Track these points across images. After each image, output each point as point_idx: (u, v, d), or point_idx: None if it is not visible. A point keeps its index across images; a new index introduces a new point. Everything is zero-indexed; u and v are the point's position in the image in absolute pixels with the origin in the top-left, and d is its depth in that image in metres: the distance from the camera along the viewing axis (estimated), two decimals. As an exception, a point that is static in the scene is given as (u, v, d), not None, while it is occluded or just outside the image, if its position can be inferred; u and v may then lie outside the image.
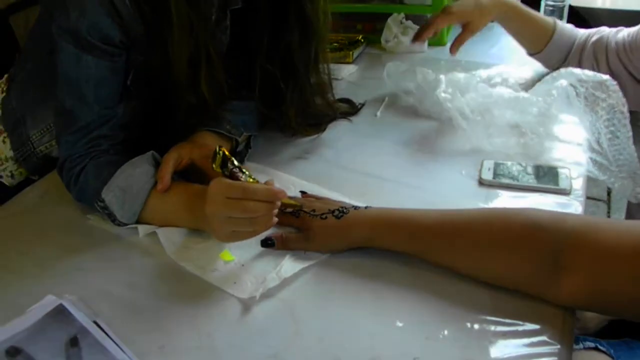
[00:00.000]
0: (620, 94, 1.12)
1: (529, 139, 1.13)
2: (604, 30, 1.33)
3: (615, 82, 1.13)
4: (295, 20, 1.10)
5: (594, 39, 1.32)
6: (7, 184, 1.22)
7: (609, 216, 2.61)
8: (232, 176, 0.85)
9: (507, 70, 1.44)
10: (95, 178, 0.96)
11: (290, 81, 1.16)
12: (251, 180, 0.86)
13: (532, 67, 1.45)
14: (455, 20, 1.37)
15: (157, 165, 0.97)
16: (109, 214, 0.95)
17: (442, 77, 1.26)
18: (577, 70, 1.15)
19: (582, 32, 1.36)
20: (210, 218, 0.84)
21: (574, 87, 1.13)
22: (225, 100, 1.09)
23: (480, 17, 1.34)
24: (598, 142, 1.12)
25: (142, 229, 0.95)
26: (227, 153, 0.86)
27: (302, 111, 1.20)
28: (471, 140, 1.14)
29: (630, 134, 1.11)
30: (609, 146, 1.13)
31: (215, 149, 0.86)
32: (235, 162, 0.86)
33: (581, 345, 1.02)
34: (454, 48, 1.39)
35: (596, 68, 1.29)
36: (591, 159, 1.10)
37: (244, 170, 0.87)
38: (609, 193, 2.71)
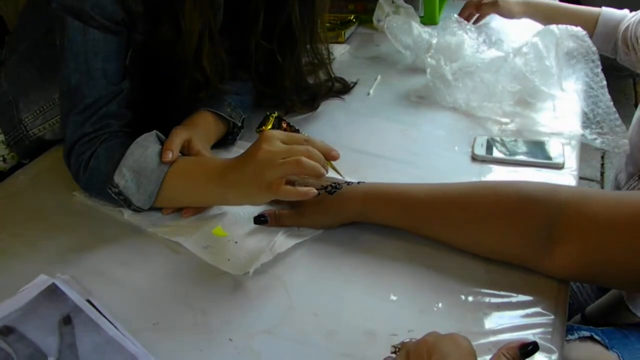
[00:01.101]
0: (590, 42, 1.13)
1: (521, 108, 1.13)
2: (631, 16, 1.34)
3: (585, 32, 1.14)
4: None
5: (621, 30, 1.34)
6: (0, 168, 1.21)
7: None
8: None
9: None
10: (107, 161, 0.92)
11: (287, 55, 1.15)
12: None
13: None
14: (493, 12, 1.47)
15: (162, 144, 0.94)
16: (124, 200, 0.92)
17: (433, 41, 1.27)
18: (553, 27, 1.16)
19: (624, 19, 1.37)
20: (264, 160, 0.80)
21: (546, 42, 1.14)
22: (226, 77, 1.08)
23: (508, 12, 1.45)
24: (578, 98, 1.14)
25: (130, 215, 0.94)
26: (280, 114, 0.87)
27: (298, 86, 1.20)
28: (456, 108, 1.17)
29: (604, 82, 1.13)
30: (585, 98, 1.14)
31: (267, 113, 0.87)
32: (290, 123, 0.87)
33: (576, 335, 1.02)
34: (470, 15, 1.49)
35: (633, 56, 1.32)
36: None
37: (299, 130, 0.89)
38: (602, 173, 2.71)
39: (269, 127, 0.89)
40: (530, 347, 0.60)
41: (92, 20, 0.92)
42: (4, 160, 1.21)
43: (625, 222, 0.68)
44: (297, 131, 0.91)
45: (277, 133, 0.83)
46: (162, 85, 1.04)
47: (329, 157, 0.84)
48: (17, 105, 1.16)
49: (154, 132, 0.96)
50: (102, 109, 0.96)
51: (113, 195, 0.92)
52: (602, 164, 2.71)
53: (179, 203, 0.94)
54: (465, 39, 1.26)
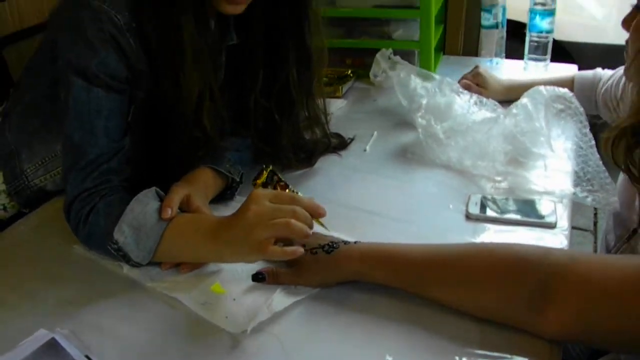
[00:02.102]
0: (577, 103, 1.18)
1: (513, 167, 1.16)
2: (607, 77, 1.38)
3: (571, 94, 1.18)
4: (294, 53, 1.13)
5: (601, 90, 1.38)
6: (0, 217, 1.22)
7: (595, 245, 2.64)
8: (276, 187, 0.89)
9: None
10: (106, 217, 0.94)
11: (285, 114, 1.18)
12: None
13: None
14: (478, 81, 1.51)
15: (162, 201, 0.97)
16: (123, 256, 0.93)
17: (422, 102, 1.31)
18: (541, 87, 1.21)
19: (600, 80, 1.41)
20: (252, 220, 0.83)
21: (535, 103, 1.18)
22: (225, 134, 1.10)
23: (493, 93, 1.47)
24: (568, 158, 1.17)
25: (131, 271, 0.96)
26: (274, 169, 0.90)
27: (295, 144, 1.22)
28: (450, 167, 1.20)
29: (593, 142, 1.16)
30: (575, 157, 1.17)
31: (263, 166, 0.90)
32: (282, 177, 0.89)
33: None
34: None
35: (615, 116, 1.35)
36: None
37: (289, 185, 0.90)
38: (595, 223, 2.74)
39: (263, 179, 0.92)
40: None
41: (97, 78, 0.95)
42: (5, 209, 1.22)
43: (617, 285, 0.70)
44: (287, 186, 0.94)
45: (265, 193, 0.86)
46: (162, 140, 1.06)
47: (316, 215, 0.87)
48: (20, 156, 1.17)
49: (154, 188, 0.98)
50: (103, 165, 0.98)
51: (112, 251, 0.93)
52: (595, 214, 2.74)
53: (177, 259, 0.95)
54: (455, 100, 1.30)
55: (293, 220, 0.82)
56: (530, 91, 1.21)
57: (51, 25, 1.10)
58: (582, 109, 1.17)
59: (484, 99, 1.31)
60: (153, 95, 1.02)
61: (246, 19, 1.07)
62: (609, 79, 1.37)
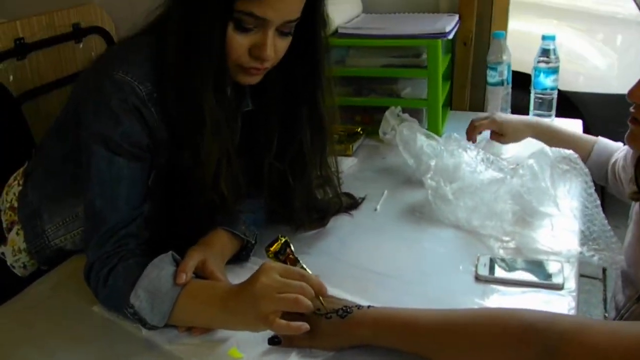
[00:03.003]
0: (582, 164, 1.22)
1: (520, 227, 1.20)
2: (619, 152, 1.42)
3: (577, 155, 1.22)
4: (308, 118, 1.17)
5: (611, 162, 1.42)
6: (19, 274, 1.25)
7: (605, 294, 2.64)
8: (287, 263, 0.92)
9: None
10: (124, 280, 0.98)
11: (297, 176, 1.21)
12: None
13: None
14: (495, 127, 1.52)
15: (177, 265, 1.00)
16: (140, 320, 0.96)
17: (431, 163, 1.35)
18: (546, 149, 1.25)
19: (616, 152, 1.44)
20: (260, 292, 0.87)
21: (540, 164, 1.22)
22: (242, 198, 1.14)
23: (513, 135, 1.51)
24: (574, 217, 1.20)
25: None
26: (288, 240, 0.93)
27: (308, 204, 1.25)
28: (459, 226, 1.23)
29: (598, 202, 1.20)
30: (581, 217, 1.21)
31: (279, 235, 0.94)
32: (293, 251, 0.93)
33: None
34: (473, 138, 1.53)
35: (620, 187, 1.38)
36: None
37: (299, 260, 0.94)
38: (604, 271, 2.74)
39: (276, 248, 0.96)
40: None
41: (119, 147, 1.00)
42: (24, 267, 1.25)
43: (623, 353, 0.72)
44: (297, 261, 0.97)
45: (275, 267, 0.90)
46: (180, 204, 1.10)
47: (320, 293, 0.91)
48: (42, 216, 1.21)
49: (170, 253, 1.01)
50: (122, 230, 1.02)
51: (129, 315, 0.96)
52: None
53: (191, 323, 0.98)
54: (463, 159, 1.34)
55: (301, 297, 0.86)
56: (536, 152, 1.24)
57: (76, 92, 1.15)
58: (587, 170, 1.20)
59: (491, 157, 1.35)
60: (172, 161, 1.06)
61: (261, 85, 1.11)
62: (621, 152, 1.40)
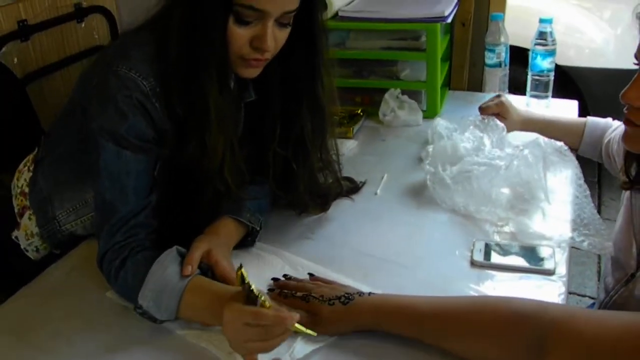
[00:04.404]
0: (572, 156, 1.27)
1: (514, 214, 1.24)
2: (613, 129, 1.46)
3: (567, 147, 1.28)
4: (308, 106, 1.20)
5: (604, 142, 1.46)
6: (32, 257, 1.30)
7: (599, 266, 2.69)
8: (248, 295, 0.89)
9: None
10: (133, 277, 1.01)
11: (300, 162, 1.25)
12: (266, 304, 0.88)
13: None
14: (501, 109, 1.56)
15: (182, 258, 1.03)
16: (150, 317, 1.00)
17: (429, 148, 1.39)
18: (540, 139, 1.31)
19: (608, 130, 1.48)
20: (230, 336, 0.90)
21: (534, 154, 1.27)
22: (245, 185, 1.18)
23: (511, 123, 1.55)
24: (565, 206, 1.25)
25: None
26: (245, 274, 0.90)
27: (311, 189, 1.29)
28: (456, 210, 1.28)
29: (588, 192, 1.26)
30: (572, 205, 1.26)
31: (237, 267, 0.91)
32: (252, 286, 0.89)
33: None
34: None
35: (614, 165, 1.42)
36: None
37: (259, 295, 0.88)
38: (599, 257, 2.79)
39: (238, 281, 0.91)
40: None
41: (126, 141, 1.04)
42: (37, 250, 1.30)
43: (612, 340, 0.77)
44: (253, 294, 0.89)
45: (242, 315, 0.87)
46: (186, 193, 1.14)
47: (283, 327, 0.86)
48: (52, 202, 1.25)
49: (175, 248, 1.04)
50: (132, 220, 1.07)
51: (138, 314, 1.00)
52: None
53: (196, 318, 1.01)
54: (460, 140, 1.39)
55: (268, 342, 0.87)
56: (530, 143, 1.29)
57: (81, 86, 1.18)
58: (577, 162, 1.25)
59: (486, 141, 1.39)
60: (177, 152, 1.10)
61: (263, 74, 1.14)
62: (613, 131, 1.44)
